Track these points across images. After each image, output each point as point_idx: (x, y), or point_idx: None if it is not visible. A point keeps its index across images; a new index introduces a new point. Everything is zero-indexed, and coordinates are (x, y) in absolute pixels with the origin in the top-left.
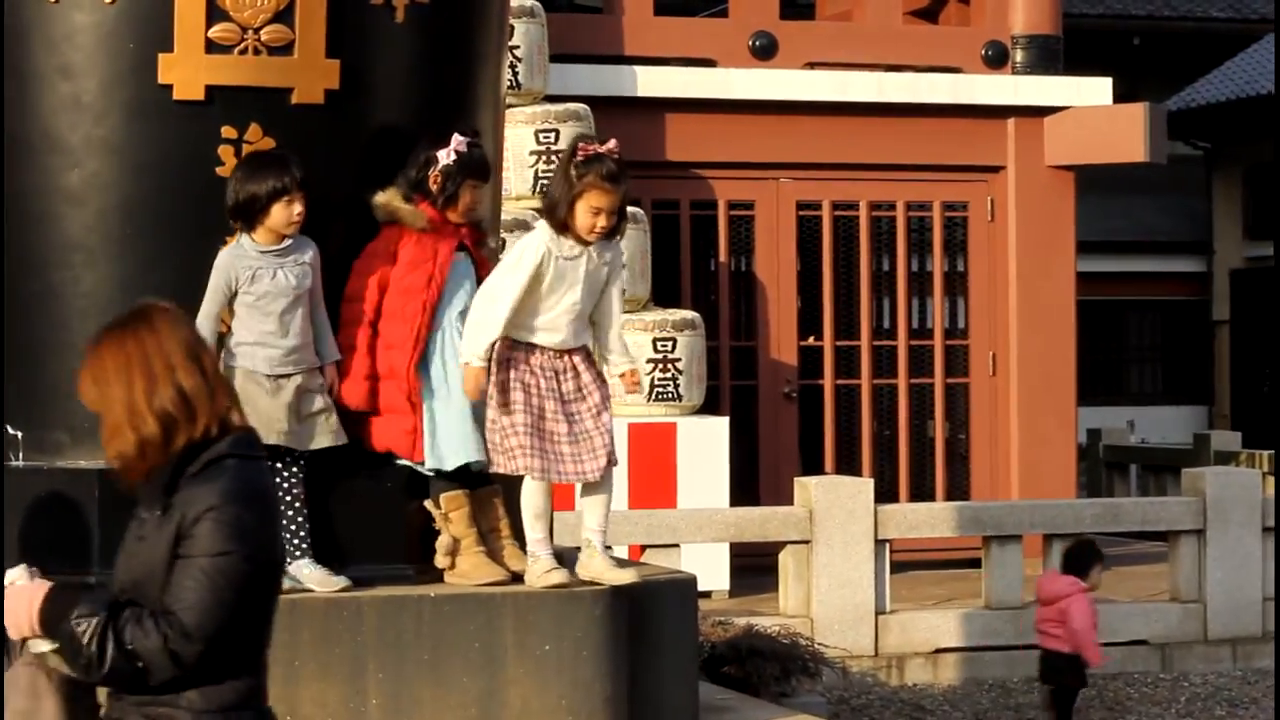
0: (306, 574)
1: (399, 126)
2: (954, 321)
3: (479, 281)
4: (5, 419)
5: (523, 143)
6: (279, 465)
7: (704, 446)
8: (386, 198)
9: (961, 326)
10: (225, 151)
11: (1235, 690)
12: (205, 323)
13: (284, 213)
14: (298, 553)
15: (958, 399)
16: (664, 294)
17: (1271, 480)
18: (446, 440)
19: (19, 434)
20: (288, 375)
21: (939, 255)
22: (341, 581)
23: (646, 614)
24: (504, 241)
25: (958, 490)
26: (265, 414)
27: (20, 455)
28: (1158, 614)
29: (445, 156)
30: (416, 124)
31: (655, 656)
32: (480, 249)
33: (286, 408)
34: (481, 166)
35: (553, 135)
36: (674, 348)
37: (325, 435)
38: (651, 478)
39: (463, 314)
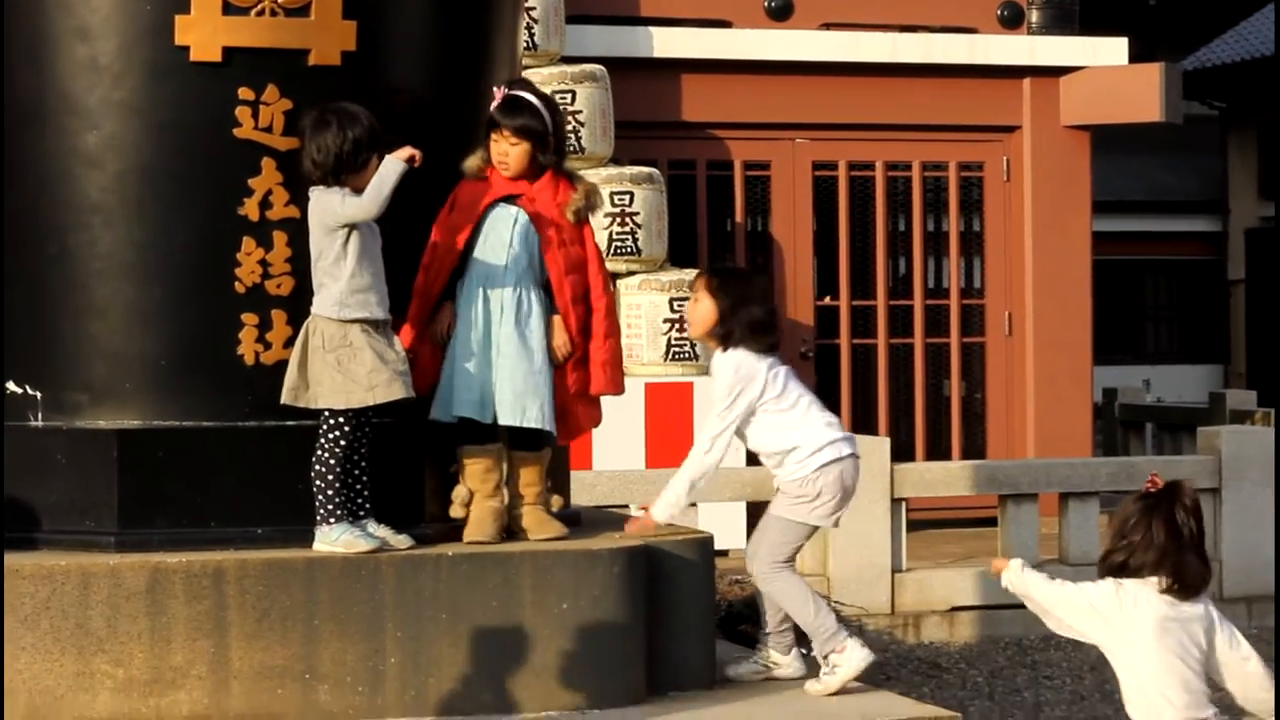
0: (372, 529)
1: (415, 88)
2: (970, 281)
3: (533, 240)
4: (23, 379)
5: None
6: (361, 421)
7: None
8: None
9: (978, 286)
10: (243, 113)
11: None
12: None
13: (377, 164)
14: (361, 512)
15: (974, 358)
16: (680, 254)
17: None
18: (459, 389)
19: (38, 394)
20: (389, 321)
21: (955, 215)
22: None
23: (664, 572)
24: None
25: (974, 449)
26: (394, 366)
27: (39, 416)
28: None
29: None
30: (433, 85)
31: (672, 615)
32: (568, 210)
33: (404, 355)
34: (503, 115)
35: (569, 96)
36: None
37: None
38: (668, 437)
39: (513, 266)
